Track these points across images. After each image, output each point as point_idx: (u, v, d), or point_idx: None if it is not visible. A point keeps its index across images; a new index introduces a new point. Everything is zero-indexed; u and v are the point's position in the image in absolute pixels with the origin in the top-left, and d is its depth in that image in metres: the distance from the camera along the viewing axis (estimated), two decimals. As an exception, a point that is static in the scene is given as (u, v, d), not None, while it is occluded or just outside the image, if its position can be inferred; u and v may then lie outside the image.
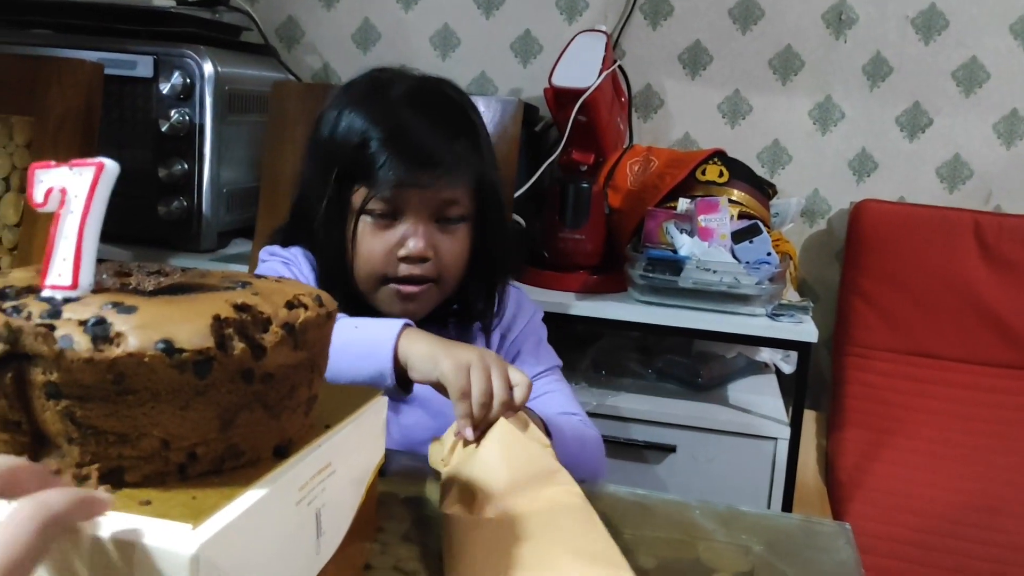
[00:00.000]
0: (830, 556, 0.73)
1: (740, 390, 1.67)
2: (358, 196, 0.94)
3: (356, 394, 0.61)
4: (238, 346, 0.45)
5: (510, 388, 0.76)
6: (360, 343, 0.78)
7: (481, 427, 0.74)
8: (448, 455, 0.75)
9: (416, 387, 1.01)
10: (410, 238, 0.93)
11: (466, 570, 0.60)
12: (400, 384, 0.79)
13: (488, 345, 1.05)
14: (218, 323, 0.45)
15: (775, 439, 1.49)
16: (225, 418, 0.46)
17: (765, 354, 1.74)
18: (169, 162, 1.66)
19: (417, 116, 0.94)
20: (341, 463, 0.55)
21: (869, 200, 1.83)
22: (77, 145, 1.39)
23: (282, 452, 0.50)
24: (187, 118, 1.65)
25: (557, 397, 1.00)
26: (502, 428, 0.73)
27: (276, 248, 1.02)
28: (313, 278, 0.98)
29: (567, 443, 0.85)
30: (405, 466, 0.87)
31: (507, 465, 0.69)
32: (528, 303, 1.09)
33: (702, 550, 0.74)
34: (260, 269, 1.01)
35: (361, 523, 0.60)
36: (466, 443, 0.74)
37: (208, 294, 0.48)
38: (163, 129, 1.65)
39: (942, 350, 1.75)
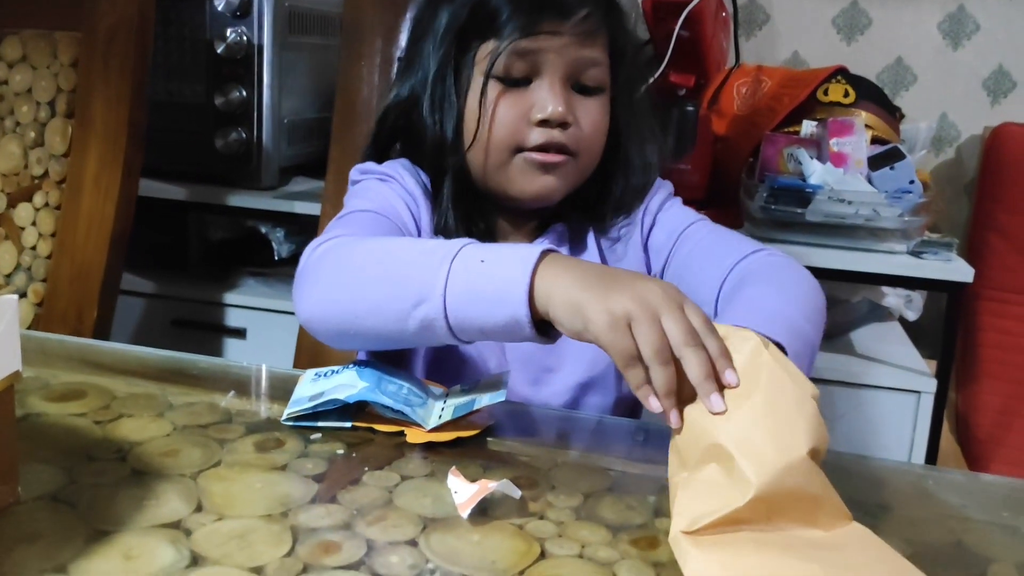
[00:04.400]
0: None
1: (867, 338, 1.49)
2: (482, 58, 0.80)
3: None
4: None
5: (694, 332, 0.56)
6: (486, 282, 0.60)
7: (671, 395, 0.56)
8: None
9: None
10: (548, 100, 0.79)
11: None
12: (541, 330, 0.61)
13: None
14: None
15: (918, 393, 1.32)
16: None
17: (891, 299, 1.55)
18: (226, 88, 1.50)
19: None
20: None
21: (1008, 124, 1.62)
22: (130, 64, 1.23)
23: None
24: (244, 38, 1.49)
25: (722, 241, 0.83)
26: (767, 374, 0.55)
27: (370, 165, 0.86)
28: (420, 191, 0.83)
29: (809, 340, 0.69)
30: (561, 425, 0.72)
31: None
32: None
33: (961, 532, 0.57)
34: (354, 191, 0.85)
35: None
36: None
37: None
38: (219, 51, 1.49)
39: (1095, 293, 1.55)
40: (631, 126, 0.86)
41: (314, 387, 0.66)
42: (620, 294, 0.57)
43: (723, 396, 0.55)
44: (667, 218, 0.88)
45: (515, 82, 0.79)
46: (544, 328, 0.60)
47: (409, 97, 0.84)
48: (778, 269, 0.77)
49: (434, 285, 0.60)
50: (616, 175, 0.86)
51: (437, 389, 0.69)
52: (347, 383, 0.65)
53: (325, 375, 0.68)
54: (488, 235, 0.84)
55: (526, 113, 0.79)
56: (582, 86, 0.81)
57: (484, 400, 0.64)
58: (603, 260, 0.88)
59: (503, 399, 0.64)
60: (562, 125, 0.79)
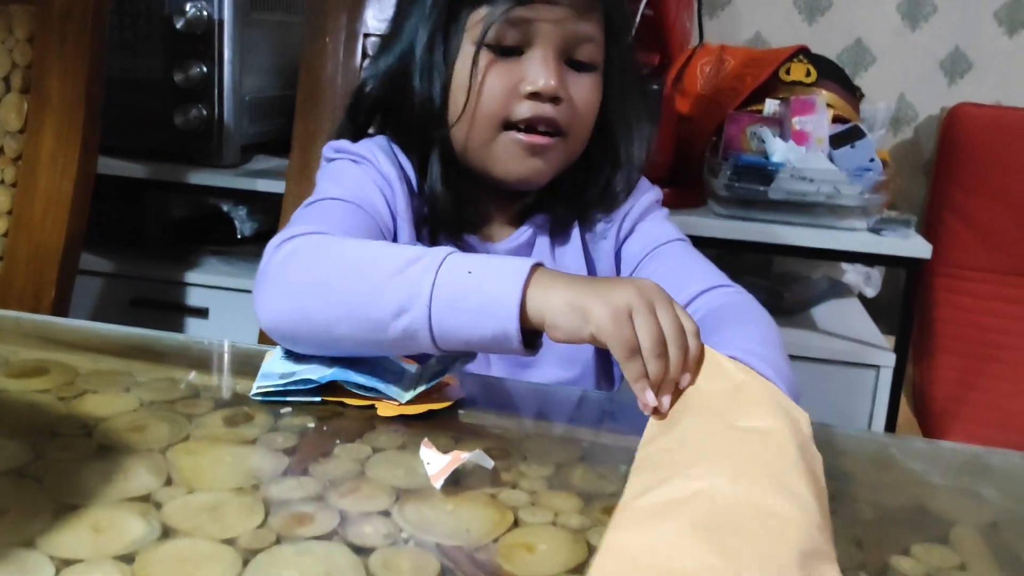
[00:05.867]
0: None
1: (827, 314, 1.52)
2: (473, 25, 0.77)
3: None
4: None
5: (682, 330, 0.58)
6: (475, 295, 0.59)
7: (665, 389, 0.58)
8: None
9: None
10: (540, 72, 0.76)
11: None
12: (527, 343, 0.60)
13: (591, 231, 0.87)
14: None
15: (877, 367, 1.34)
16: None
17: (850, 276, 1.58)
18: (185, 65, 1.48)
19: None
20: None
21: (964, 104, 1.65)
22: (86, 39, 1.20)
23: None
24: (205, 13, 1.46)
25: (693, 265, 0.82)
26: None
27: (344, 144, 0.83)
28: (396, 174, 0.80)
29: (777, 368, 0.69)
30: (532, 398, 0.72)
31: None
32: (643, 181, 0.89)
33: (923, 496, 0.58)
34: (326, 171, 0.83)
35: None
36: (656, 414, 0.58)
37: None
38: (178, 26, 1.46)
39: (1047, 269, 1.59)
40: (620, 110, 0.83)
41: (284, 364, 0.65)
42: (620, 288, 0.58)
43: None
44: (647, 229, 0.86)
45: (506, 51, 0.76)
46: (529, 340, 0.60)
47: (396, 67, 0.80)
48: (751, 311, 0.76)
49: (418, 295, 0.59)
50: (603, 162, 0.84)
51: (411, 365, 0.69)
52: (319, 361, 0.65)
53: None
54: (475, 218, 0.82)
55: (516, 85, 0.76)
56: (575, 62, 0.78)
57: (456, 366, 0.64)
58: (587, 254, 0.86)
59: (474, 360, 0.64)
60: (553, 100, 0.76)
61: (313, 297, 0.63)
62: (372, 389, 0.63)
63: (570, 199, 0.85)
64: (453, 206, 0.80)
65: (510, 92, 0.77)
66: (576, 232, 0.86)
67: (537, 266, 0.60)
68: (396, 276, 0.60)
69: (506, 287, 0.58)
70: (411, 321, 0.59)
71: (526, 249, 0.84)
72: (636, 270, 0.84)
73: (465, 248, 0.80)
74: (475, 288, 0.59)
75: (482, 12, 0.76)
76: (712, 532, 0.43)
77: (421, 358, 0.70)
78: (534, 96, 0.76)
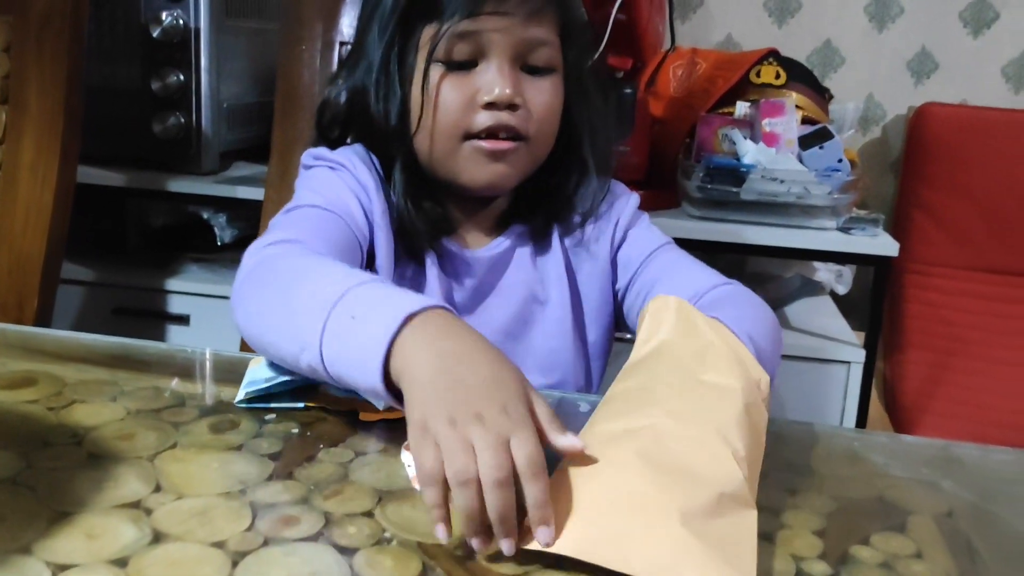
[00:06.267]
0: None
1: (800, 312, 1.55)
2: (425, 42, 0.78)
3: None
4: None
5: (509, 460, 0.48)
6: (353, 345, 0.55)
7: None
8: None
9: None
10: (494, 81, 0.77)
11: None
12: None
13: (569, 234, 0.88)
14: None
15: (848, 363, 1.37)
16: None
17: (822, 274, 1.61)
18: (163, 73, 1.49)
19: None
20: None
21: (931, 104, 1.69)
22: (64, 49, 1.21)
23: None
24: (180, 22, 1.47)
25: (691, 268, 0.84)
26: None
27: (322, 151, 0.84)
28: (373, 182, 0.81)
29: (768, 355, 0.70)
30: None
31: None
32: (621, 186, 0.91)
33: (883, 488, 0.61)
34: (305, 178, 0.84)
35: None
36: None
37: None
38: (154, 35, 1.47)
39: (1012, 264, 1.63)
40: (582, 111, 0.84)
41: (269, 369, 0.67)
42: (448, 457, 0.48)
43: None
44: (638, 236, 0.88)
45: (459, 65, 0.77)
46: None
47: (357, 83, 0.82)
48: (749, 298, 0.79)
49: (312, 335, 0.57)
50: (571, 165, 0.85)
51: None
52: (300, 364, 0.67)
53: (277, 357, 0.69)
54: (444, 224, 0.83)
55: (472, 97, 0.77)
56: (531, 67, 0.79)
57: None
58: (567, 261, 0.87)
59: None
60: (511, 107, 0.77)
61: (258, 317, 0.64)
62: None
63: (544, 205, 0.86)
64: (418, 216, 0.81)
65: (467, 104, 0.77)
66: (556, 240, 0.88)
67: (412, 316, 0.54)
68: (302, 312, 0.59)
69: (373, 343, 0.54)
70: (310, 360, 0.58)
71: (507, 256, 0.86)
72: (635, 275, 0.86)
73: (445, 254, 0.83)
74: (353, 336, 0.56)
75: (433, 28, 0.77)
76: (652, 461, 0.50)
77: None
78: (491, 106, 0.77)
